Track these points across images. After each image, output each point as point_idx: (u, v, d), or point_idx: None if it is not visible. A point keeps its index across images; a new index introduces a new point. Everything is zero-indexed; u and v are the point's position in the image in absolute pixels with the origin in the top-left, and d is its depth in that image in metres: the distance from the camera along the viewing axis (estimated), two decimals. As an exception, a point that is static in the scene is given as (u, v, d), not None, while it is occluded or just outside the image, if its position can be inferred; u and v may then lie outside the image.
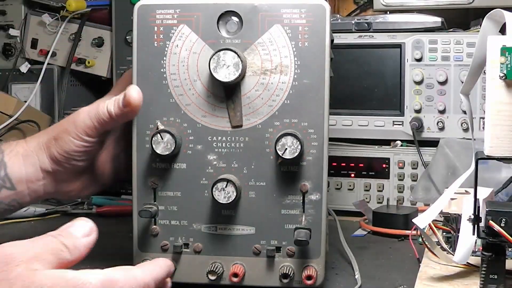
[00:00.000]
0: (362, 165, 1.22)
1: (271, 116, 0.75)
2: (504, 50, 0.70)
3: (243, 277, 0.75)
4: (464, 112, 1.17)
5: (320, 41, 0.74)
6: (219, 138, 0.76)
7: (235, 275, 0.74)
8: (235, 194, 0.73)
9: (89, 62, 1.44)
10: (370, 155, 1.22)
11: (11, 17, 1.51)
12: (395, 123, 1.22)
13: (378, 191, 1.22)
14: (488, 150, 0.72)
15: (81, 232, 0.59)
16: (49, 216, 1.17)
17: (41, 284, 0.52)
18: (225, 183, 0.73)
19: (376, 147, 1.23)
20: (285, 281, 0.74)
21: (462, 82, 1.04)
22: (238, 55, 0.72)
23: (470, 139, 1.00)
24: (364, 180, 1.22)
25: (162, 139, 0.74)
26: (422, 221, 0.82)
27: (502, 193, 1.01)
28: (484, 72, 0.73)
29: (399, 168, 1.20)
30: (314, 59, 0.74)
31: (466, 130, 1.17)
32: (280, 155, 0.72)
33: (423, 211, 0.87)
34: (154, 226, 0.77)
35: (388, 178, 1.21)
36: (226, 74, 0.73)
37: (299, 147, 0.72)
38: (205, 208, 0.76)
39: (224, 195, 0.73)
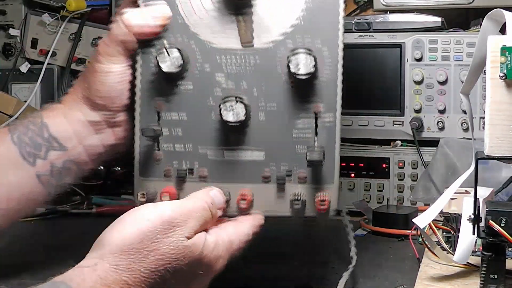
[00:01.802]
0: (362, 165, 1.22)
1: (284, 35, 0.71)
2: (504, 50, 0.70)
3: (252, 204, 0.71)
4: (464, 112, 1.17)
5: None
6: (228, 58, 0.72)
7: (243, 198, 0.70)
8: (244, 112, 0.69)
9: (89, 62, 1.44)
10: (370, 155, 1.22)
11: (11, 17, 1.51)
12: (395, 123, 1.22)
13: (378, 191, 1.22)
14: (488, 150, 0.72)
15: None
16: (49, 216, 1.17)
17: (193, 251, 0.63)
18: (234, 100, 0.69)
19: (376, 147, 1.23)
20: (296, 205, 0.70)
21: (462, 82, 1.04)
22: None
23: (470, 139, 1.00)
24: (364, 180, 1.22)
25: (169, 56, 0.70)
26: (422, 221, 0.82)
27: (502, 193, 1.01)
28: (484, 72, 0.73)
29: (399, 168, 1.20)
30: None
31: (466, 130, 1.17)
32: (293, 70, 0.68)
33: (423, 211, 0.87)
34: (157, 152, 0.73)
35: (388, 178, 1.21)
36: None
37: (313, 63, 0.69)
38: (211, 132, 0.72)
39: (233, 113, 0.69)
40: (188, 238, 0.63)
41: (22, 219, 0.80)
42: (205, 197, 0.67)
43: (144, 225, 0.61)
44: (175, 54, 0.70)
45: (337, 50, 0.72)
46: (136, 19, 0.72)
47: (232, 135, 0.72)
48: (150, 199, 0.71)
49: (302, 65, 0.69)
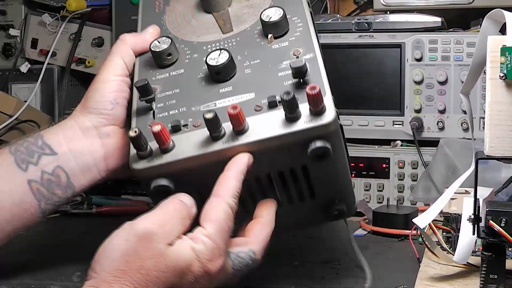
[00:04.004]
0: (362, 165, 1.22)
1: (257, 21, 0.79)
2: (504, 50, 0.70)
3: (243, 115, 0.68)
4: (464, 112, 1.17)
5: None
6: (213, 44, 0.79)
7: (234, 107, 0.68)
8: (227, 56, 0.73)
9: (89, 62, 1.44)
10: (370, 155, 1.22)
11: (11, 17, 1.52)
12: (395, 123, 1.22)
13: (378, 191, 1.22)
14: (488, 150, 0.72)
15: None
16: (49, 216, 1.17)
17: (178, 261, 0.63)
18: (218, 51, 0.74)
19: (376, 147, 1.23)
20: (292, 116, 0.68)
21: (462, 82, 1.04)
22: None
23: (470, 139, 1.00)
24: (364, 180, 1.22)
25: (159, 42, 0.78)
26: (422, 221, 0.82)
27: (502, 193, 1.01)
28: (484, 72, 0.73)
29: (399, 168, 1.20)
30: None
31: (466, 130, 1.17)
32: (265, 20, 0.76)
33: (423, 211, 0.87)
34: (153, 121, 0.73)
35: (388, 178, 1.21)
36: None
37: (282, 11, 0.76)
38: (203, 92, 0.74)
39: (217, 59, 0.73)
40: (170, 244, 0.63)
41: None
42: (173, 199, 0.67)
43: (125, 246, 0.62)
44: (164, 39, 0.79)
45: (304, 13, 0.78)
46: (130, 35, 0.82)
47: (223, 89, 0.73)
48: (143, 135, 0.70)
49: (273, 14, 0.76)
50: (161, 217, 0.65)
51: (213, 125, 0.68)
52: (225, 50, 0.74)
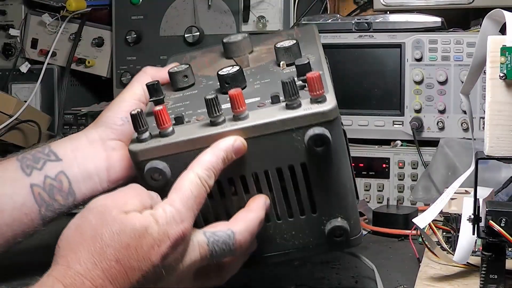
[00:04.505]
0: (362, 165, 1.22)
1: (273, 59, 0.82)
2: (504, 50, 0.70)
3: (244, 102, 0.69)
4: (464, 112, 1.17)
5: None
6: None
7: (236, 90, 0.68)
8: (237, 68, 0.76)
9: (89, 62, 1.45)
10: (370, 155, 1.22)
11: (11, 17, 1.52)
12: (395, 123, 1.22)
13: (378, 191, 1.22)
14: (488, 150, 0.72)
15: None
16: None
17: (133, 223, 0.60)
18: (231, 66, 0.77)
19: (376, 147, 1.23)
20: (292, 99, 0.68)
21: (462, 82, 1.04)
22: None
23: (470, 139, 1.00)
24: (364, 180, 1.22)
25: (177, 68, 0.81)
26: (422, 221, 0.82)
27: (502, 193, 1.01)
28: (484, 72, 0.73)
29: (399, 168, 1.20)
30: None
31: (466, 130, 1.17)
32: (279, 47, 0.80)
33: (423, 211, 0.87)
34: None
35: (388, 178, 1.21)
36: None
37: (295, 41, 0.79)
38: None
39: (228, 71, 0.76)
40: (126, 212, 0.61)
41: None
42: (133, 184, 0.66)
43: (79, 222, 0.62)
44: (183, 65, 0.82)
45: (318, 51, 0.81)
46: (152, 68, 0.86)
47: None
48: (144, 117, 0.70)
49: (286, 43, 0.80)
50: (116, 193, 0.64)
51: (212, 106, 0.68)
52: (237, 65, 0.77)
